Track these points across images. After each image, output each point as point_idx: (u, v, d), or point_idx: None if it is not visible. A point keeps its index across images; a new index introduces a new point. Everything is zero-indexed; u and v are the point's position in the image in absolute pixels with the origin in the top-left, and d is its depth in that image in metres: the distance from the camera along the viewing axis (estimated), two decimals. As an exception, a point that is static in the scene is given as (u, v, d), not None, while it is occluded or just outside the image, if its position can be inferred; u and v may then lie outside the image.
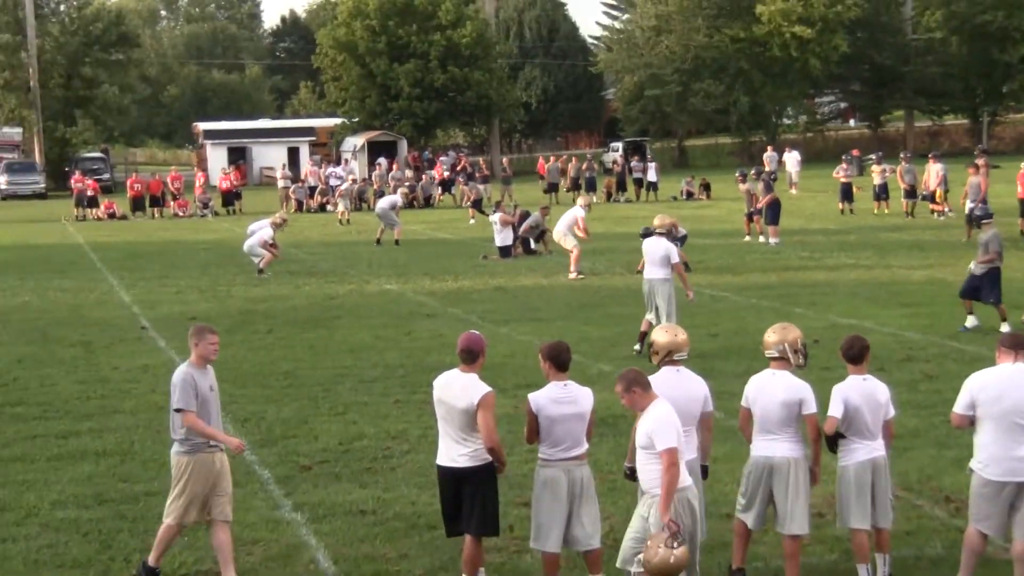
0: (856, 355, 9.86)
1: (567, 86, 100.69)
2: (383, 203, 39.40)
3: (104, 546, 11.01)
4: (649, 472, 9.04)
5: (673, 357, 9.80)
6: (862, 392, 9.73)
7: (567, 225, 29.33)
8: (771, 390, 9.71)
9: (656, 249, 18.96)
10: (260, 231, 31.30)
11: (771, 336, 9.88)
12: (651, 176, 57.54)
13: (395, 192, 43.79)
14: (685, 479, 9.07)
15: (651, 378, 9.55)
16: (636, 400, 9.16)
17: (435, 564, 10.40)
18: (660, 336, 9.89)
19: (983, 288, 20.31)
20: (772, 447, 9.69)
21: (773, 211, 34.86)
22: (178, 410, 9.80)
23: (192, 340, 10.05)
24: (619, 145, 79.66)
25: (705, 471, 9.84)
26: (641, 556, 8.89)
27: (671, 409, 9.09)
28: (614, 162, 64.98)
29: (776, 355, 9.80)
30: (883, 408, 9.79)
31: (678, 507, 8.97)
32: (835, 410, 9.70)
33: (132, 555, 10.72)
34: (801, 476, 9.69)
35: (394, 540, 11.02)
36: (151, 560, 10.16)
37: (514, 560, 10.47)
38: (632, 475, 9.56)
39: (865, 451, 9.72)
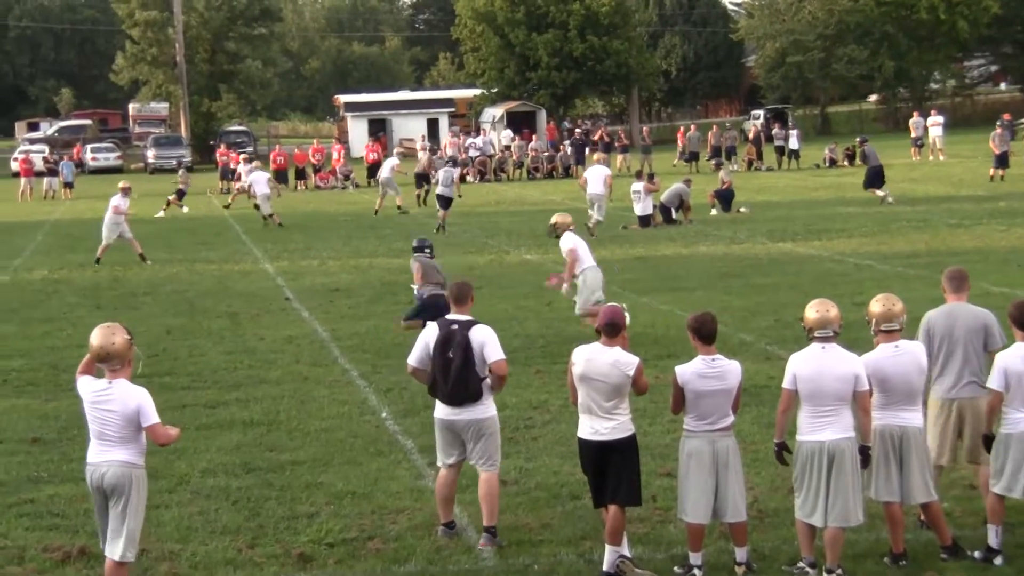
0: None
1: (707, 54, 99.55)
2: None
3: (253, 514, 11.19)
4: None
5: (814, 333, 9.27)
6: None
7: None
8: (904, 362, 9.43)
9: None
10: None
11: (875, 307, 9.60)
12: (793, 144, 56.80)
13: (532, 162, 43.71)
14: None
15: (795, 355, 9.37)
16: None
17: (577, 534, 10.38)
18: (809, 312, 9.38)
19: None
20: (907, 417, 9.43)
21: (873, 176, 35.65)
22: None
23: None
24: (760, 113, 78.62)
25: (866, 454, 9.30)
26: None
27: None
28: (751, 128, 64.25)
29: (897, 327, 9.51)
30: None
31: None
32: (995, 382, 9.40)
33: (280, 523, 10.89)
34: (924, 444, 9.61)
35: (537, 510, 11.03)
36: None
37: (658, 530, 10.42)
38: (782, 451, 9.48)
39: None
